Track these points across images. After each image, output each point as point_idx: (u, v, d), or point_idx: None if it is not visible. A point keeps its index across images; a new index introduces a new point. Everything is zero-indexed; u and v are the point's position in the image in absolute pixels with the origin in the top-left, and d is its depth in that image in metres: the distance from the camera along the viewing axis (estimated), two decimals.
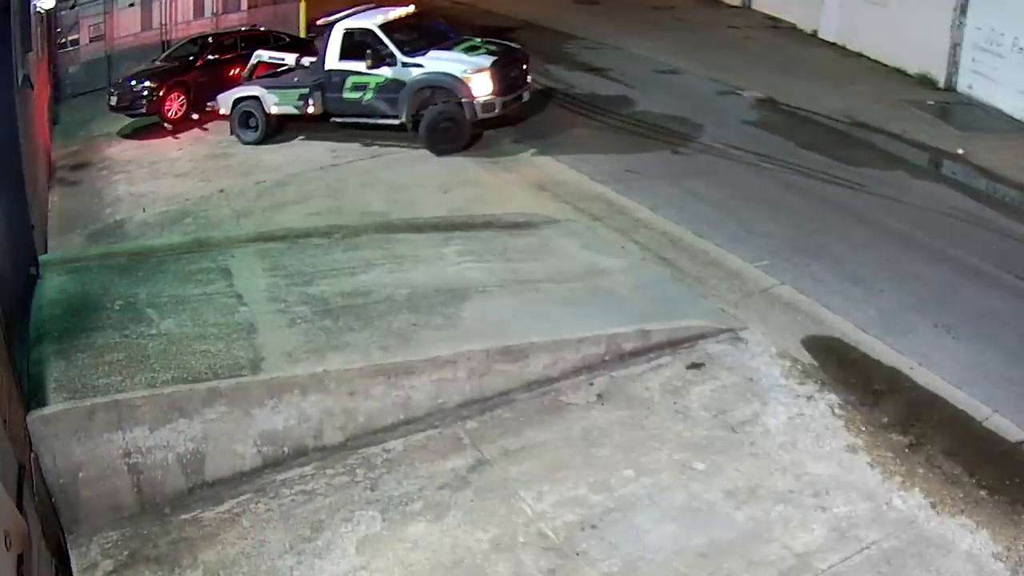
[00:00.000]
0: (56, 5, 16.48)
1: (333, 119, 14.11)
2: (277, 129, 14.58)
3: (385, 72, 13.33)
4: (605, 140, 13.54)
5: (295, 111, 14.21)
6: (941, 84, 15.83)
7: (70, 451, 6.27)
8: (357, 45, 13.51)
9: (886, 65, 17.07)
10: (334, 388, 6.98)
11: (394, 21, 13.85)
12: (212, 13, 20.20)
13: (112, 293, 8.12)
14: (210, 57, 16.67)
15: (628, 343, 7.93)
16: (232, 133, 14.75)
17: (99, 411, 6.35)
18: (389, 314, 7.90)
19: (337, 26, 13.77)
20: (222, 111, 14.77)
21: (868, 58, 17.61)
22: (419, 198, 11.73)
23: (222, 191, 12.76)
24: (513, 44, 14.42)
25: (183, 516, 6.46)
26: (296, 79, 14.32)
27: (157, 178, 13.77)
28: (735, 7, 22.43)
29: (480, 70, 13.02)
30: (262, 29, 18.42)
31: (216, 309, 7.88)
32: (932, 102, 15.19)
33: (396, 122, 13.56)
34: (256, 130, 14.48)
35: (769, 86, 15.80)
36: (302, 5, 20.42)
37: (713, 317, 8.46)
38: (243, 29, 18.40)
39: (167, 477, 6.63)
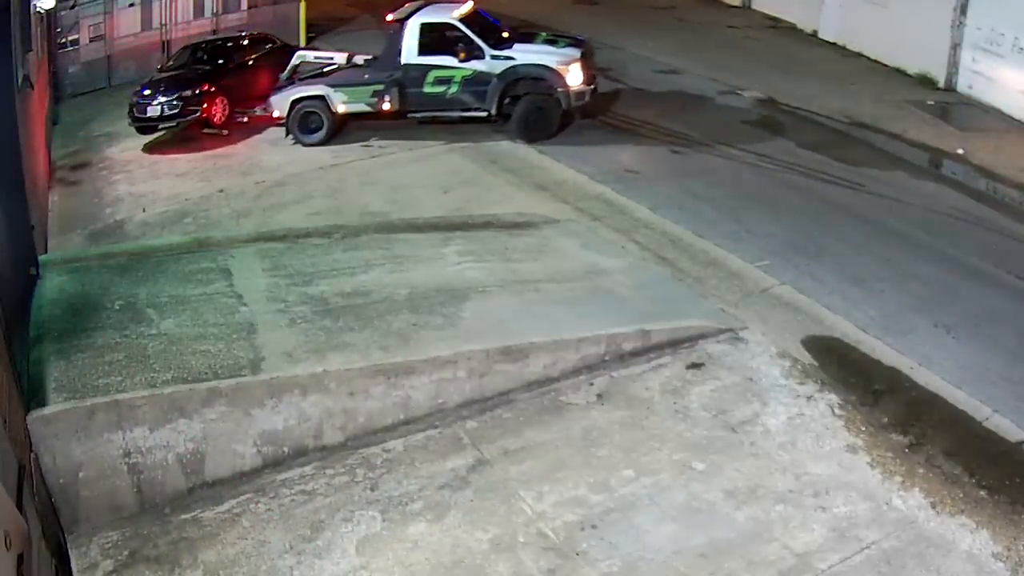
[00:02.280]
0: (56, 5, 16.42)
1: (410, 115, 13.89)
2: (339, 129, 14.24)
3: (474, 65, 13.27)
4: (605, 140, 13.55)
5: (367, 109, 13.87)
6: (941, 84, 15.86)
7: (70, 451, 6.27)
8: (436, 39, 13.41)
9: (886, 65, 17.10)
10: (334, 388, 6.98)
11: (468, 15, 13.75)
12: (212, 13, 20.20)
13: (112, 293, 8.12)
14: (238, 60, 16.36)
15: (628, 343, 7.93)
16: (288, 135, 14.23)
17: (99, 411, 6.35)
18: (389, 314, 7.90)
19: (413, 21, 13.55)
20: (276, 114, 14.16)
21: (868, 58, 17.64)
22: (419, 198, 11.73)
23: (222, 191, 12.76)
24: (579, 36, 14.42)
25: (183, 516, 6.46)
26: (367, 76, 13.91)
27: (157, 178, 13.77)
28: (735, 7, 22.46)
29: (573, 61, 13.20)
30: (256, 33, 18.19)
31: (216, 309, 7.88)
32: (932, 102, 15.21)
33: (482, 114, 13.55)
34: (319, 131, 14.00)
35: (769, 86, 15.82)
36: (302, 5, 20.43)
37: (713, 317, 8.46)
38: (243, 34, 18.17)
39: (167, 477, 6.62)
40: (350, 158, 13.48)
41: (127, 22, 19.40)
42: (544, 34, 14.25)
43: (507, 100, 13.39)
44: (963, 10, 15.34)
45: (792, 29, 20.20)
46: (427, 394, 7.28)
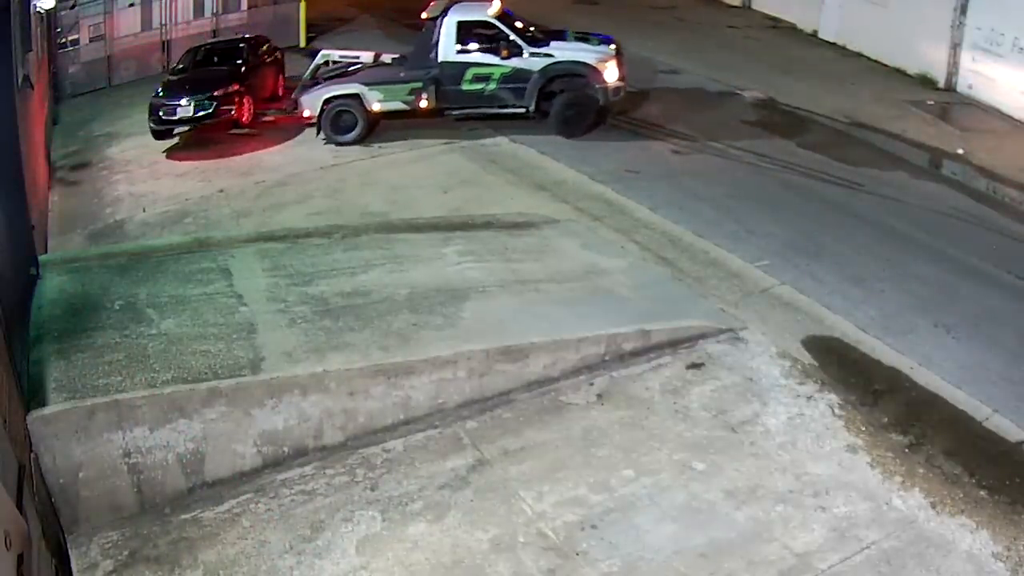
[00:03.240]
0: (56, 5, 16.41)
1: (447, 112, 13.94)
2: (373, 129, 14.12)
3: (513, 62, 13.41)
4: (605, 140, 13.55)
5: (404, 107, 13.84)
6: (941, 84, 15.87)
7: (70, 451, 6.27)
8: (473, 37, 13.52)
9: (886, 65, 17.10)
10: (334, 388, 6.98)
11: (499, 13, 13.84)
12: (212, 13, 20.19)
13: (112, 293, 8.12)
14: (253, 61, 15.94)
15: (628, 343, 7.93)
16: (319, 134, 13.98)
17: (99, 411, 6.35)
18: (389, 314, 7.90)
19: (449, 19, 13.59)
20: (307, 113, 13.92)
21: (868, 58, 17.64)
22: (419, 198, 11.73)
23: (222, 191, 12.76)
24: (604, 35, 14.57)
25: (183, 516, 6.46)
26: (403, 74, 13.87)
27: (157, 178, 13.75)
28: (735, 7, 22.45)
29: (610, 58, 13.46)
30: (254, 35, 17.60)
31: (216, 309, 7.88)
32: (932, 102, 15.21)
33: (520, 111, 13.69)
34: (353, 130, 13.86)
35: (769, 86, 15.82)
36: (302, 5, 20.41)
37: (713, 317, 8.46)
38: (245, 36, 17.65)
39: (167, 477, 6.63)
40: (350, 158, 13.48)
41: (127, 22, 19.38)
42: (573, 32, 14.41)
43: (545, 96, 13.60)
44: (963, 10, 15.34)
45: (792, 29, 20.20)
46: (427, 394, 7.28)
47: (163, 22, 19.64)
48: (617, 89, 13.57)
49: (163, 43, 19.61)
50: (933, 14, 15.78)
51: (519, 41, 13.41)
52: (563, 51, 13.50)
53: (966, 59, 15.42)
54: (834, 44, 18.71)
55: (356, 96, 13.79)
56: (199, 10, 20.10)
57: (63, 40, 18.71)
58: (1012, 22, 14.32)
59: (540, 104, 13.61)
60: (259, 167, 13.56)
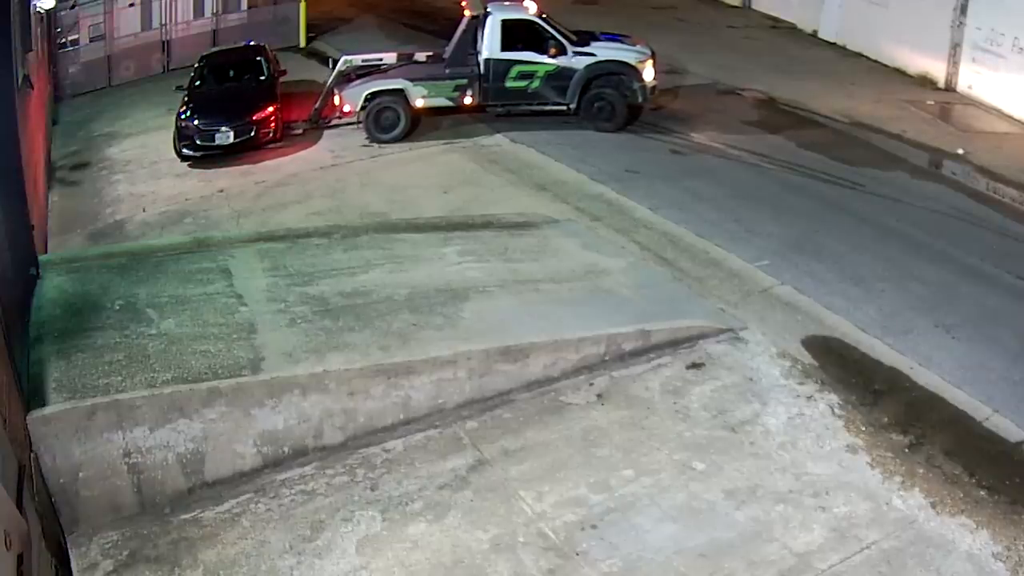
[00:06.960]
0: (56, 5, 16.41)
1: (490, 108, 14.10)
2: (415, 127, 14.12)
3: (558, 60, 13.70)
4: (605, 140, 13.56)
5: (448, 103, 14.00)
6: (941, 84, 15.88)
7: (70, 451, 6.27)
8: (517, 36, 13.76)
9: (886, 65, 17.11)
10: (334, 388, 6.98)
11: (539, 13, 14.08)
12: (212, 13, 20.19)
13: (112, 293, 8.11)
14: (268, 72, 15.25)
15: (628, 343, 7.93)
16: (366, 131, 13.92)
17: (99, 411, 6.35)
18: (389, 314, 7.89)
19: (493, 18, 13.75)
20: (348, 108, 13.85)
21: (868, 58, 17.65)
22: (419, 198, 11.73)
23: (222, 191, 12.76)
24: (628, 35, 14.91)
25: (183, 516, 6.46)
26: (447, 70, 13.97)
27: (157, 178, 13.76)
28: (735, 7, 22.46)
29: (647, 58, 13.91)
30: (257, 44, 16.85)
31: (216, 309, 7.87)
32: (932, 102, 15.23)
33: (561, 107, 13.97)
34: (396, 128, 13.88)
35: (769, 86, 15.83)
36: (302, 5, 20.41)
37: (713, 317, 8.46)
38: (252, 44, 16.87)
39: (167, 477, 6.63)
40: (350, 158, 13.48)
41: (127, 22, 19.40)
42: (598, 32, 14.68)
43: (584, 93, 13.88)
44: (963, 10, 15.35)
45: (792, 29, 20.22)
46: (427, 394, 7.28)
47: (163, 22, 19.64)
48: (653, 88, 13.99)
49: (163, 43, 19.61)
50: (933, 14, 15.80)
51: (563, 41, 13.73)
52: (604, 50, 13.89)
53: (966, 59, 15.43)
54: (834, 44, 18.72)
55: (400, 92, 13.83)
56: (199, 10, 20.10)
57: (63, 40, 18.72)
58: (1012, 22, 14.33)
59: (580, 101, 13.88)
60: (259, 167, 13.56)
